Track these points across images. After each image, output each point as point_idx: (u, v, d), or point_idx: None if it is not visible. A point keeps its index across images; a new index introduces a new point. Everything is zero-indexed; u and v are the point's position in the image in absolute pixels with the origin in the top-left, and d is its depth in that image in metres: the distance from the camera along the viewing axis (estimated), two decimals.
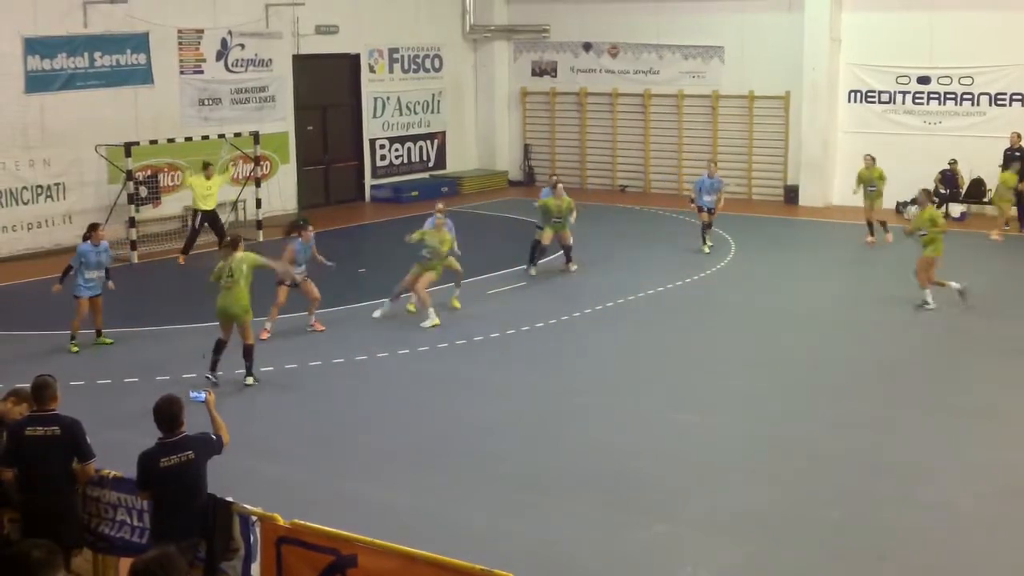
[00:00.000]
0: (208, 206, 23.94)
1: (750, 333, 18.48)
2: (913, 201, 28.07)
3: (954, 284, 19.57)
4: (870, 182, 25.14)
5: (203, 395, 9.19)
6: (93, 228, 17.78)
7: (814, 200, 29.49)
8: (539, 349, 17.59)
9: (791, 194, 30.22)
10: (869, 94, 29.34)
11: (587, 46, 32.90)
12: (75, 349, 17.12)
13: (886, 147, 28.06)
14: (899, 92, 28.97)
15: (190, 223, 24.75)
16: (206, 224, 24.08)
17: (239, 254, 15.73)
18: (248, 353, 15.70)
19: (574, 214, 22.40)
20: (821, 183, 29.28)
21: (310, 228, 18.40)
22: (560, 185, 22.72)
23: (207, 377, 15.55)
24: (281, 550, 8.18)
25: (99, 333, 17.51)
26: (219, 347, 15.76)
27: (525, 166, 33.98)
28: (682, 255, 23.79)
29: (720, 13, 30.61)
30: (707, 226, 24.22)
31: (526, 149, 34.12)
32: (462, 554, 7.72)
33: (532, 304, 19.95)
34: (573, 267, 22.45)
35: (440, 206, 19.97)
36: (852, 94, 29.50)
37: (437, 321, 18.44)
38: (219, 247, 23.82)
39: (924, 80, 28.66)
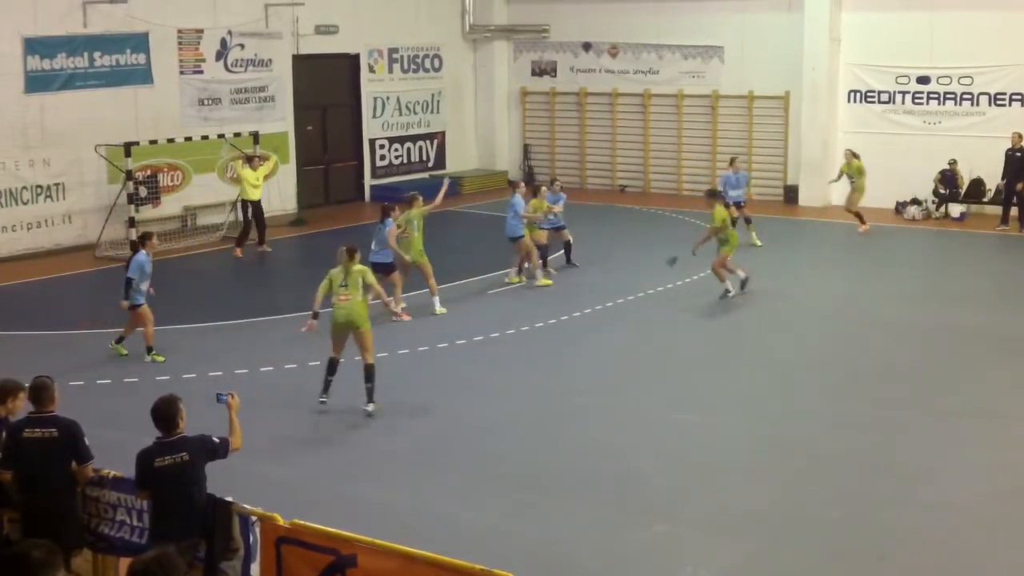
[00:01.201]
0: (255, 196, 24.33)
1: (750, 333, 18.49)
2: (914, 201, 28.16)
3: (740, 273, 20.33)
4: (850, 175, 25.66)
5: (226, 397, 9.19)
6: (147, 237, 17.37)
7: (814, 200, 29.48)
8: (539, 349, 17.59)
9: (791, 194, 30.22)
10: (869, 94, 29.33)
11: (587, 46, 32.90)
12: (160, 359, 16.69)
13: (886, 147, 28.07)
14: (899, 92, 28.96)
15: (240, 215, 25.01)
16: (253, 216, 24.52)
17: (356, 266, 14.74)
18: (371, 375, 14.59)
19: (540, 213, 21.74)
20: (821, 183, 29.26)
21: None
22: (545, 187, 22.47)
23: (321, 401, 14.67)
24: (281, 550, 8.18)
25: (121, 340, 17.19)
26: (333, 367, 14.70)
27: (525, 166, 33.98)
28: (683, 254, 23.74)
29: (720, 13, 30.60)
30: (745, 220, 24.58)
31: (526, 149, 34.12)
32: (462, 554, 7.72)
33: (532, 304, 19.94)
34: (543, 274, 21.65)
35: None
36: (852, 94, 29.49)
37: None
38: (259, 242, 24.63)
39: (924, 80, 28.65)
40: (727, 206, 24.31)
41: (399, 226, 18.99)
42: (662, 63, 31.85)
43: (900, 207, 28.34)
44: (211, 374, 15.92)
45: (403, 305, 19.07)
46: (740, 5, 30.24)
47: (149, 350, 16.79)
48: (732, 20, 30.43)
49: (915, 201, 28.28)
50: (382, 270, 18.31)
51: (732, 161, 25.60)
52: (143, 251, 16.94)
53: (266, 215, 26.42)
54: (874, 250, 24.86)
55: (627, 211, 29.52)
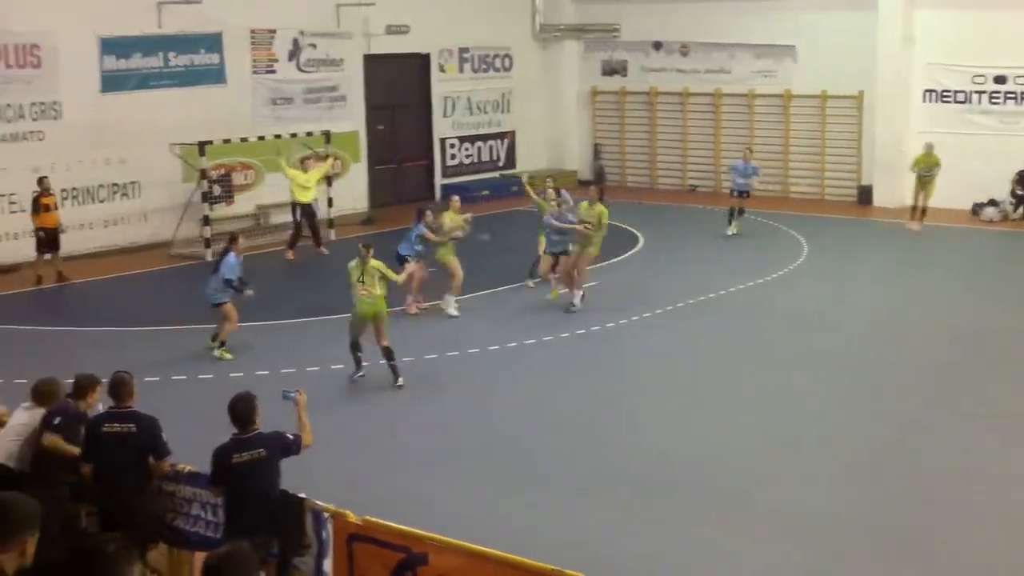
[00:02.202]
0: (306, 199, 24.14)
1: (817, 335, 18.27)
2: (991, 203, 27.73)
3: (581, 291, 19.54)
4: (926, 168, 25.46)
5: (294, 394, 9.25)
6: (235, 239, 17.43)
7: (888, 201, 29.10)
8: (593, 351, 17.50)
9: (864, 194, 29.88)
10: (944, 94, 28.91)
11: (657, 45, 32.75)
12: (229, 356, 16.88)
13: (961, 147, 27.65)
14: (975, 92, 28.52)
15: (293, 217, 24.86)
16: (303, 218, 24.34)
17: (372, 261, 15.74)
18: (391, 355, 15.75)
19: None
20: (895, 183, 28.89)
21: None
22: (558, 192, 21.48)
23: (360, 376, 15.89)
24: (352, 547, 8.22)
25: (217, 339, 17.18)
26: (359, 346, 15.90)
27: (595, 165, 33.90)
28: (753, 255, 23.61)
29: (793, 12, 30.30)
30: (738, 211, 25.27)
31: (595, 149, 34.03)
32: (527, 554, 7.70)
33: (592, 306, 19.80)
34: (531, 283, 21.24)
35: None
36: (927, 94, 29.08)
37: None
38: (315, 244, 24.49)
39: (1001, 80, 28.19)
40: (731, 193, 24.66)
41: (432, 229, 19.06)
42: (734, 62, 31.62)
43: (977, 208, 27.92)
44: (284, 371, 16.03)
45: (416, 299, 19.31)
46: (813, 4, 29.92)
47: (221, 344, 16.99)
48: (805, 19, 30.13)
49: (992, 202, 27.85)
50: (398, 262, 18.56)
51: (745, 151, 26.49)
52: (232, 253, 17.06)
53: (337, 214, 26.62)
54: (948, 252, 24.52)
55: (697, 211, 29.34)
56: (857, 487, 12.33)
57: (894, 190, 29.03)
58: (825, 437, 13.80)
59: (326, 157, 25.52)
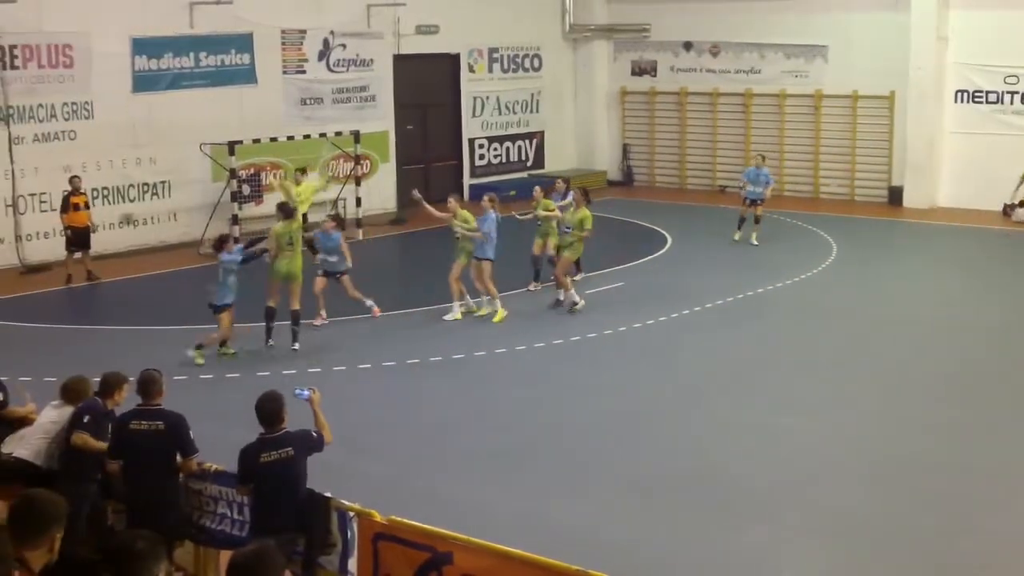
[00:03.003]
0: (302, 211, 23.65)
1: (850, 336, 18.20)
2: (1022, 203, 27.52)
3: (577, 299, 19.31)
4: None
5: (307, 392, 9.26)
6: (224, 241, 17.31)
7: (919, 202, 28.94)
8: (637, 350, 17.51)
9: (895, 195, 29.72)
10: (976, 94, 28.72)
11: (688, 45, 32.67)
12: (200, 361, 16.49)
13: (993, 148, 27.49)
14: (1007, 92, 28.31)
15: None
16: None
17: (296, 223, 17.33)
18: (297, 318, 17.13)
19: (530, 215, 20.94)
20: (926, 184, 28.74)
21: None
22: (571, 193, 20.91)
23: (269, 345, 17.05)
24: (378, 546, 8.23)
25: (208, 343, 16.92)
26: (272, 314, 17.17)
27: (624, 166, 33.86)
28: (782, 256, 23.53)
29: (824, 12, 30.17)
30: (754, 220, 24.42)
31: (625, 149, 33.99)
32: (557, 555, 7.70)
33: (630, 304, 19.83)
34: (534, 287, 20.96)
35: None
36: (959, 94, 28.89)
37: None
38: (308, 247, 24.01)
39: None
40: (743, 201, 24.04)
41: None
42: (764, 62, 31.52)
43: (1008, 209, 27.72)
44: (311, 371, 16.08)
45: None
46: (845, 3, 29.79)
47: (199, 346, 16.57)
48: (836, 19, 29.99)
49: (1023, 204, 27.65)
50: None
51: (763, 158, 25.69)
52: (224, 252, 16.82)
53: (366, 213, 26.68)
54: (979, 253, 24.35)
55: (727, 212, 29.22)
56: (918, 489, 12.22)
57: (925, 191, 28.88)
58: (873, 436, 13.74)
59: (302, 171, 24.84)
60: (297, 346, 17.04)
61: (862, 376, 16.11)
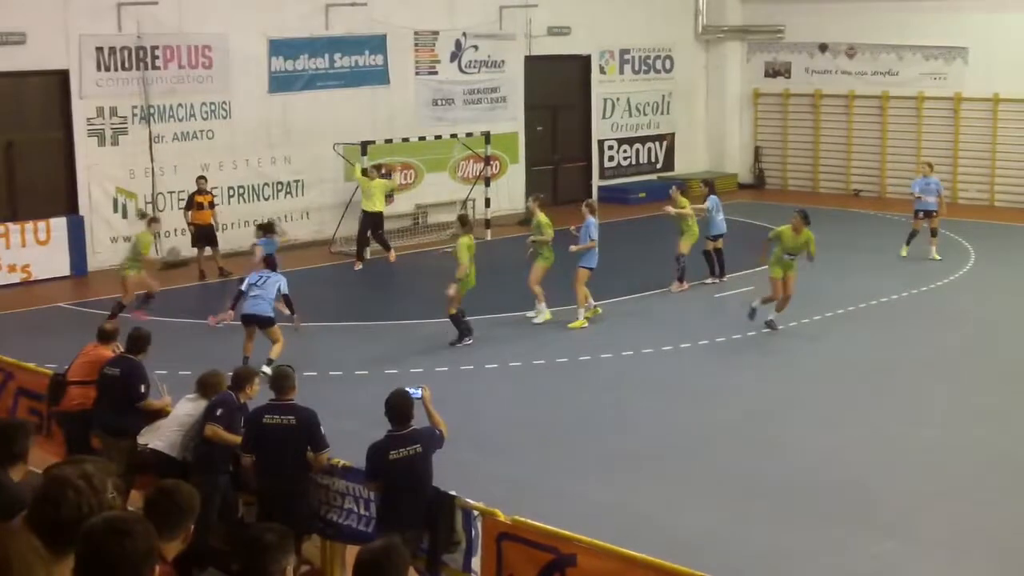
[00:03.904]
0: (369, 207, 23.39)
1: (991, 345, 17.72)
2: None
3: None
4: None
5: (419, 391, 9.33)
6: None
7: None
8: (766, 355, 17.28)
9: None
10: None
11: (823, 47, 32.15)
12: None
13: None
14: None
15: (359, 227, 23.96)
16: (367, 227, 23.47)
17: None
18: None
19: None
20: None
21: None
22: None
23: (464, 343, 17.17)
24: (502, 546, 8.26)
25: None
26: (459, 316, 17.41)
27: (756, 169, 33.47)
28: (918, 262, 23.00)
29: (964, 12, 29.42)
30: (930, 232, 23.09)
31: (757, 151, 33.59)
32: (681, 560, 7.63)
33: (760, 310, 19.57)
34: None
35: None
36: None
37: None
38: (357, 256, 23.42)
39: None
40: (915, 215, 23.08)
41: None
42: (902, 64, 30.87)
43: None
44: (438, 369, 16.19)
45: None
46: (986, 4, 29.02)
47: (270, 362, 15.16)
48: (977, 20, 29.23)
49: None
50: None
51: (930, 166, 24.33)
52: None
53: (494, 214, 26.76)
54: None
55: (862, 216, 28.73)
56: None
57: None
58: (1012, 450, 13.37)
59: (389, 174, 24.93)
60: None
61: (1004, 388, 15.66)
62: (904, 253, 23.26)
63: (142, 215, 21.98)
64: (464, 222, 18.11)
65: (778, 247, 18.05)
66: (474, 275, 17.37)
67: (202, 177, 22.59)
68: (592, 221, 18.69)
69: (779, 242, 18.07)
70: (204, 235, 22.31)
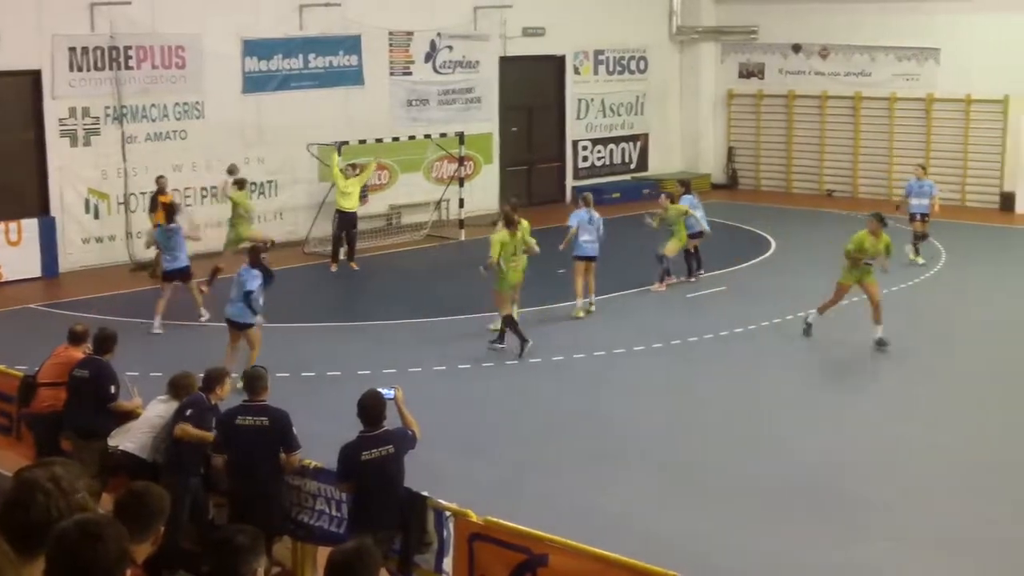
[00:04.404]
0: (345, 205, 23.23)
1: (964, 345, 17.84)
2: None
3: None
4: None
5: (392, 392, 9.34)
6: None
7: None
8: (747, 355, 17.32)
9: (1007, 201, 29.06)
10: None
11: (796, 48, 32.28)
12: None
13: None
14: None
15: (332, 228, 23.93)
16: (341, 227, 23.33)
17: (522, 232, 17.24)
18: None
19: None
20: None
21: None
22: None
23: (522, 348, 16.71)
24: (474, 546, 8.27)
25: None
26: (514, 320, 17.01)
27: (729, 169, 33.58)
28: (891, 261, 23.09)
29: (937, 14, 29.57)
30: (919, 236, 23.01)
31: (730, 152, 33.70)
32: (654, 560, 7.65)
33: (735, 309, 19.64)
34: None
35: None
36: None
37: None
38: (348, 257, 23.11)
39: None
40: (911, 218, 23.01)
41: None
42: (874, 65, 31.03)
43: None
44: (410, 370, 16.19)
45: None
46: (958, 5, 29.18)
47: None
48: (949, 21, 29.39)
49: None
50: None
51: (918, 168, 24.27)
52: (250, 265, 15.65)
53: (468, 214, 26.75)
54: None
55: (834, 216, 28.84)
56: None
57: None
58: (1011, 452, 13.46)
59: (363, 169, 24.46)
60: (531, 343, 16.86)
61: (980, 387, 15.79)
62: (922, 261, 22.78)
63: (231, 172, 22.03)
64: (505, 216, 17.80)
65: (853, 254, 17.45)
66: (516, 271, 17.01)
67: (162, 177, 22.17)
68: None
69: (860, 250, 17.47)
70: None
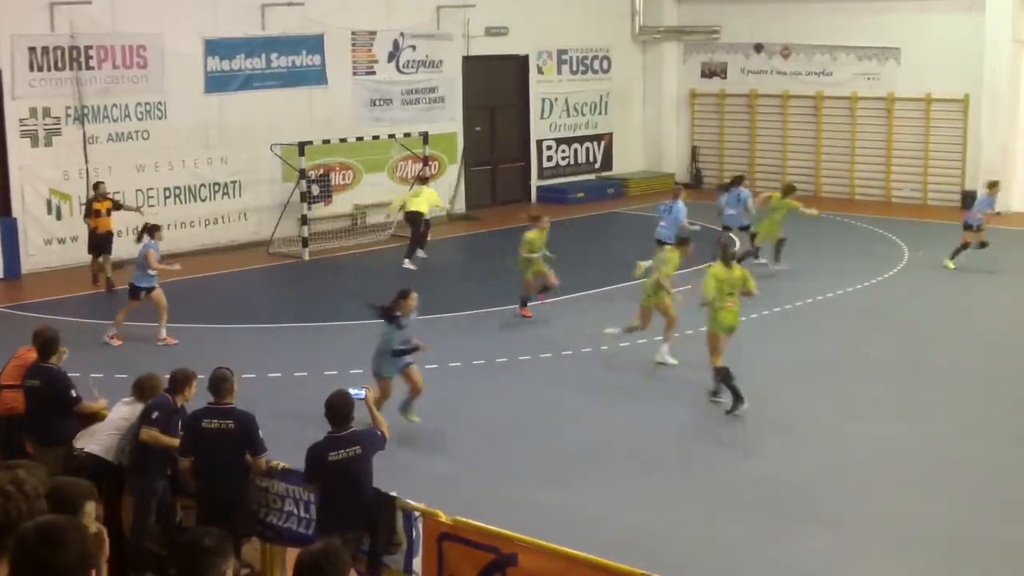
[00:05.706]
0: (414, 207, 23.66)
1: (923, 342, 17.96)
2: None
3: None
4: None
5: (363, 393, 9.32)
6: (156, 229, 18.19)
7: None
8: (704, 354, 17.35)
9: (968, 200, 29.24)
10: None
11: (758, 47, 32.43)
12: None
13: None
14: None
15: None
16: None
17: (738, 271, 14.81)
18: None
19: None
20: (1000, 189, 28.24)
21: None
22: (546, 217, 19.55)
23: (735, 406, 14.44)
24: (442, 546, 8.26)
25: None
26: (729, 373, 14.53)
27: (693, 168, 33.69)
28: (852, 261, 23.28)
29: (897, 13, 29.79)
30: (965, 246, 22.41)
31: (694, 151, 33.82)
32: (622, 558, 7.66)
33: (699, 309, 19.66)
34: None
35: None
36: None
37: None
38: (421, 249, 23.60)
39: None
40: (972, 227, 22.25)
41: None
42: (836, 64, 31.22)
43: None
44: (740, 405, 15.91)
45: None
46: (918, 5, 29.39)
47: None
48: (910, 20, 29.61)
49: None
50: None
51: (994, 185, 23.39)
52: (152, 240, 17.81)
53: (432, 215, 26.67)
54: None
55: (796, 215, 28.96)
56: (993, 501, 12.10)
57: (998, 195, 28.34)
58: (959, 449, 13.58)
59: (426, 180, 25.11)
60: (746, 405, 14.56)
61: (936, 384, 15.90)
62: (952, 264, 22.45)
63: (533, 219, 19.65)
64: (532, 217, 19.10)
65: None
66: (730, 312, 14.81)
67: (100, 182, 21.80)
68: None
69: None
70: (102, 243, 21.26)
